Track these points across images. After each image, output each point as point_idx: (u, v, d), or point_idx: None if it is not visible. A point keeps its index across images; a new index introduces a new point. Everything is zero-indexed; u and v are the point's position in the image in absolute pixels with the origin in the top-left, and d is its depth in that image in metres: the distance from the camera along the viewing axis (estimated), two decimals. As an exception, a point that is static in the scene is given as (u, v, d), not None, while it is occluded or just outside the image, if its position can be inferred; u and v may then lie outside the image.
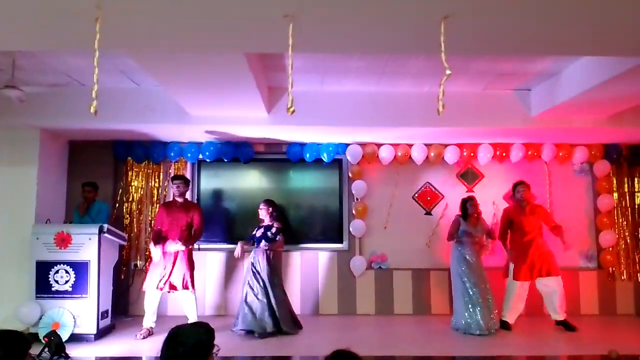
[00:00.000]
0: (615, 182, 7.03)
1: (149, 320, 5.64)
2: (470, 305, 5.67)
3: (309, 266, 6.88)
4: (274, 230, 5.83)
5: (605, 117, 5.81)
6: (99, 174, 6.62)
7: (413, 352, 5.15)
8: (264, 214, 5.98)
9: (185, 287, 5.67)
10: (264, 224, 5.97)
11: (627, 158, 6.98)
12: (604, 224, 6.89)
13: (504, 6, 2.73)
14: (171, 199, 6.12)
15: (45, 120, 5.76)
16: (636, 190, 7.05)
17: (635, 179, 7.07)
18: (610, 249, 6.86)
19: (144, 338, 5.49)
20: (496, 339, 5.49)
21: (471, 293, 5.69)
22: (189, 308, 5.77)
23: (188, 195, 6.26)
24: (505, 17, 2.88)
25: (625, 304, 6.86)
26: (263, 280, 5.67)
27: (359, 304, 6.83)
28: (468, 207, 5.96)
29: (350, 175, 6.96)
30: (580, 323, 5.95)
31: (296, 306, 6.52)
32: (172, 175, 6.61)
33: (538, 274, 5.82)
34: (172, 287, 5.66)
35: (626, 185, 7.05)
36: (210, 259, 6.81)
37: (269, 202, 6.06)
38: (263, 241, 5.84)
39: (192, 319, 5.65)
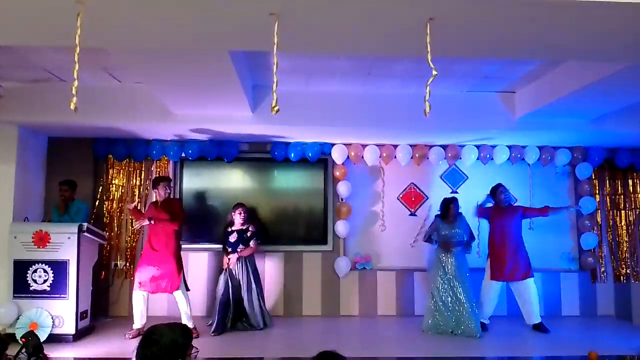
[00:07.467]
0: (597, 184, 7.12)
1: (137, 322, 5.56)
2: (435, 308, 5.75)
3: (293, 267, 6.83)
4: (249, 234, 5.94)
5: (588, 120, 5.87)
6: (79, 171, 6.48)
7: (396, 353, 5.16)
8: (240, 218, 5.99)
9: (174, 289, 5.56)
10: (235, 227, 6.00)
11: (609, 161, 7.05)
12: (585, 226, 6.96)
13: (490, 8, 2.72)
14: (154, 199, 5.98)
15: (24, 116, 5.63)
16: (617, 192, 7.14)
17: (617, 182, 7.16)
18: (592, 250, 6.94)
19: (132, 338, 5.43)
20: (474, 340, 5.50)
21: (439, 295, 5.73)
22: (180, 308, 5.64)
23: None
24: (490, 19, 2.87)
25: (605, 306, 6.95)
26: (239, 281, 5.85)
27: (343, 305, 6.81)
28: (451, 207, 5.92)
29: (335, 175, 6.94)
30: (561, 324, 6.00)
31: (279, 307, 6.56)
32: (154, 177, 6.44)
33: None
34: (160, 290, 5.56)
35: (607, 188, 7.14)
36: (194, 259, 6.71)
37: (245, 206, 6.10)
38: (240, 245, 5.90)
39: (184, 319, 5.55)
